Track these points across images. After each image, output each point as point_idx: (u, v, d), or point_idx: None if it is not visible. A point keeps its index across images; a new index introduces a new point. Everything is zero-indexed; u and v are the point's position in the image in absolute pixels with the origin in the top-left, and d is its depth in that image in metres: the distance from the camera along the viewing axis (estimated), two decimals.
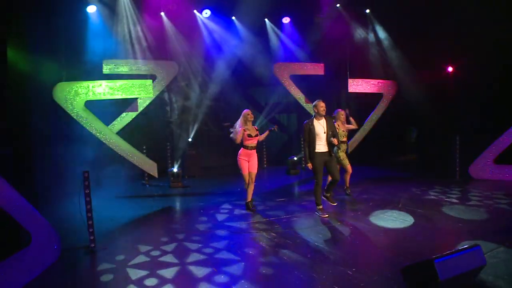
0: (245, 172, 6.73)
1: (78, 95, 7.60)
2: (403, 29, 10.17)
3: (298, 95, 11.24)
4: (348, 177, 7.87)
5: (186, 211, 7.47)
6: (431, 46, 9.74)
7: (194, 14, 11.35)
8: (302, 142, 6.53)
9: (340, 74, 11.35)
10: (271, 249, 5.10)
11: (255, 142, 6.74)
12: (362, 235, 5.59)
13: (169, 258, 4.90)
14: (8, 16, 5.86)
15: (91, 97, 7.84)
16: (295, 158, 11.02)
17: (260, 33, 12.12)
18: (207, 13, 11.53)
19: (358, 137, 10.70)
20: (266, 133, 6.97)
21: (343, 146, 7.77)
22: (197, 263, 4.72)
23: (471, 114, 9.46)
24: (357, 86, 10.61)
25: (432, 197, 7.57)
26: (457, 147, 8.69)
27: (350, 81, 10.51)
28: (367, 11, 11.01)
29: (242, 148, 6.73)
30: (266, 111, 12.80)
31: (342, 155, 7.69)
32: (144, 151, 9.65)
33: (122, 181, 9.73)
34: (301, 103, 11.28)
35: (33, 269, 4.53)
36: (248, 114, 6.67)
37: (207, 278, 4.27)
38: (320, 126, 6.38)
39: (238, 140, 6.64)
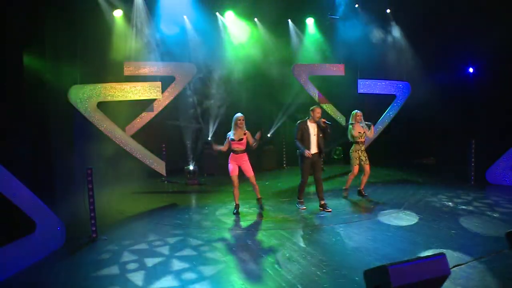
0: (232, 174, 6.82)
1: (91, 97, 8.19)
2: (422, 29, 9.90)
3: (316, 95, 11.30)
4: (351, 177, 7.77)
5: (191, 207, 7.83)
6: (450, 46, 9.42)
7: (216, 16, 11.68)
8: (295, 140, 6.94)
9: (359, 74, 11.26)
10: (252, 247, 5.32)
11: (242, 146, 6.77)
12: (349, 238, 5.63)
13: (157, 249, 5.29)
14: (26, 24, 6.44)
15: (102, 98, 8.41)
16: None
17: (282, 33, 12.24)
18: (229, 15, 11.84)
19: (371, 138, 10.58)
20: (258, 135, 6.75)
21: (356, 147, 7.69)
22: (181, 255, 5.05)
23: (490, 117, 9.08)
24: (367, 86, 10.48)
25: (438, 202, 7.38)
26: (472, 151, 8.35)
27: (359, 81, 10.40)
28: (388, 11, 10.78)
29: (231, 153, 6.85)
30: (288, 111, 12.89)
31: (354, 155, 7.64)
32: (164, 149, 10.16)
33: (143, 178, 10.29)
34: (320, 103, 11.32)
35: (38, 252, 5.08)
36: (238, 119, 6.74)
37: (180, 271, 4.57)
38: (312, 129, 6.89)
39: (225, 148, 6.86)
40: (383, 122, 10.91)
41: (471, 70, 9.69)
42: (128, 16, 9.73)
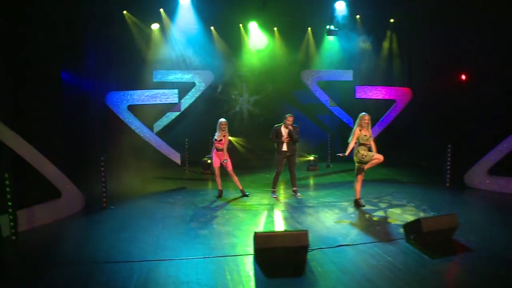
0: (214, 166, 8.61)
1: (123, 101, 10.50)
2: (419, 37, 10.53)
3: (324, 99, 12.45)
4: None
5: (190, 191, 9.58)
6: (445, 53, 9.99)
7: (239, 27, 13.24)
8: (270, 138, 8.62)
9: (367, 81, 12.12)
10: (208, 221, 7.02)
11: (221, 145, 8.34)
12: (284, 219, 7.06)
13: (142, 218, 7.26)
14: (66, 40, 8.63)
15: (131, 102, 10.66)
16: (312, 158, 12.10)
17: (301, 41, 13.43)
18: (253, 26, 13.36)
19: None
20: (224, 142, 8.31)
21: (365, 148, 7.70)
22: (149, 225, 6.93)
23: (482, 122, 9.51)
24: (364, 92, 11.35)
25: (392, 199, 8.36)
26: (448, 155, 8.92)
27: (357, 88, 11.31)
28: (391, 20, 11.48)
29: (215, 150, 8.51)
30: (306, 112, 14.16)
31: (368, 155, 7.67)
32: (186, 142, 12.18)
33: (171, 166, 12.32)
34: (327, 106, 12.51)
35: (61, 213, 7.32)
36: (221, 124, 8.38)
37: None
38: (283, 133, 8.43)
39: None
40: (382, 125, 11.72)
41: (463, 77, 10.11)
42: (161, 29, 11.80)
